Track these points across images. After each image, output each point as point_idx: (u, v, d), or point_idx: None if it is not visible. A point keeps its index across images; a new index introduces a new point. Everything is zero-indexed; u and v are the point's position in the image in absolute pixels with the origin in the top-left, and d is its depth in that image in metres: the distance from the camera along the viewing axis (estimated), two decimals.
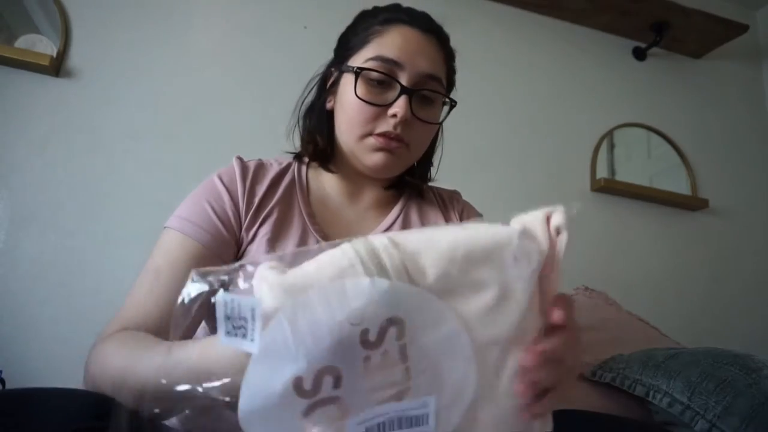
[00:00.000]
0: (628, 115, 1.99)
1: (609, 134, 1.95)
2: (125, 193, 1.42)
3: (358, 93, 0.72)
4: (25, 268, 1.32)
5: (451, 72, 0.82)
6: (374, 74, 0.72)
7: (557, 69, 1.96)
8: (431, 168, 0.88)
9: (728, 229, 1.98)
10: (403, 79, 0.72)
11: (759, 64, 2.23)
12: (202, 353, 0.44)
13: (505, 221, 0.38)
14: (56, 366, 1.27)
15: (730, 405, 0.86)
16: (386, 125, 0.72)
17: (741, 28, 1.96)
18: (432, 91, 0.74)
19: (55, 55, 1.43)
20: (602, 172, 1.89)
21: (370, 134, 0.73)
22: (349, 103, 0.73)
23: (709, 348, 1.04)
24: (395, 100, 0.71)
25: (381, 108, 0.72)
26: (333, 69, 0.80)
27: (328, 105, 0.80)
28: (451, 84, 0.83)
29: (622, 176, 1.91)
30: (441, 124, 0.83)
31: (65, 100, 1.44)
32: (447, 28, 0.83)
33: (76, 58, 1.47)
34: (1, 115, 1.38)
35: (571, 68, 1.98)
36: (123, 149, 1.45)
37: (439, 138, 0.87)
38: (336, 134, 0.79)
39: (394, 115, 0.71)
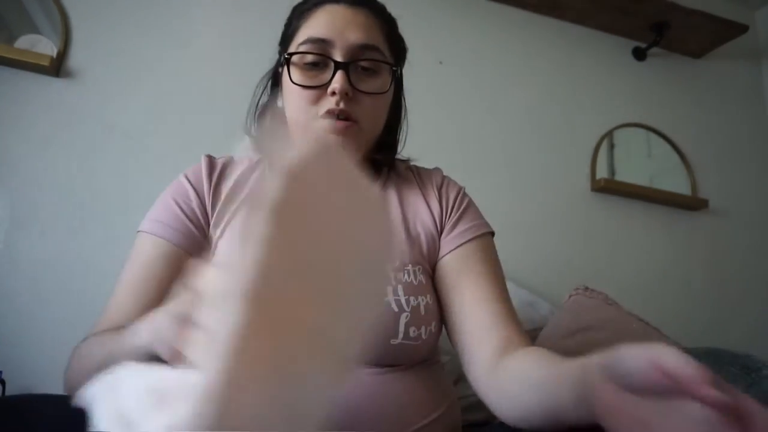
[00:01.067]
0: (628, 115, 1.99)
1: (609, 134, 1.95)
2: (125, 193, 1.42)
3: (293, 79, 0.71)
4: (25, 268, 1.32)
5: (394, 39, 0.79)
6: (307, 57, 0.71)
7: (557, 69, 1.96)
8: (396, 138, 0.86)
9: (728, 229, 1.98)
10: (337, 55, 0.70)
11: (759, 64, 2.23)
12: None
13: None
14: (56, 366, 1.27)
15: None
16: (328, 104, 0.70)
17: (741, 28, 1.96)
18: (369, 60, 0.72)
19: (55, 55, 1.42)
20: (602, 172, 1.89)
21: (315, 118, 0.72)
22: (289, 92, 0.73)
23: (709, 348, 1.03)
24: (332, 78, 0.70)
25: (320, 89, 0.70)
26: (279, 67, 0.79)
27: (279, 103, 0.79)
28: (399, 52, 0.81)
29: (622, 176, 1.91)
30: (400, 94, 0.81)
31: (65, 100, 1.44)
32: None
33: (76, 58, 1.47)
34: (1, 115, 1.38)
35: (571, 68, 1.98)
36: (123, 149, 1.45)
37: (403, 109, 0.85)
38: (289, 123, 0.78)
39: (334, 92, 0.69)
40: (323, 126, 0.71)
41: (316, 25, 0.71)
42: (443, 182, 0.83)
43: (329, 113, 0.70)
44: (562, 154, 1.88)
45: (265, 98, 0.84)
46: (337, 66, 0.70)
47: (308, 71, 0.71)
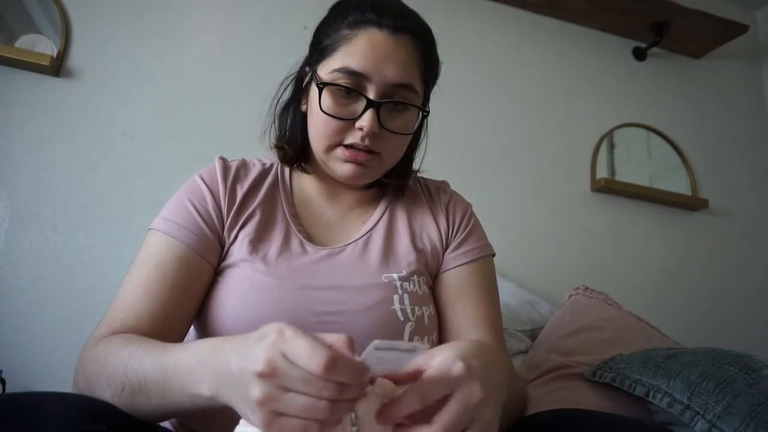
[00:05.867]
0: (628, 115, 1.99)
1: (609, 134, 1.95)
2: (125, 193, 1.42)
3: (323, 107, 0.70)
4: (25, 268, 1.33)
5: (429, 72, 0.78)
6: (340, 86, 0.69)
7: (557, 69, 1.96)
8: (412, 164, 0.85)
9: (728, 229, 1.99)
10: (371, 92, 0.69)
11: (759, 64, 2.23)
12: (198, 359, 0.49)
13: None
14: (56, 365, 1.27)
15: (730, 405, 0.86)
16: (353, 137, 0.70)
17: (741, 28, 1.96)
18: (401, 102, 0.71)
19: (55, 55, 1.43)
20: (602, 172, 1.89)
21: (338, 145, 0.72)
22: (316, 114, 0.72)
23: (709, 348, 1.04)
24: (362, 113, 0.69)
25: (348, 120, 0.70)
26: (307, 68, 0.78)
27: (303, 107, 0.78)
28: (432, 78, 0.80)
29: (622, 176, 1.91)
30: (416, 133, 0.80)
31: (65, 100, 1.44)
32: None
33: (76, 58, 1.47)
34: (1, 115, 1.38)
35: (571, 68, 1.98)
36: (123, 149, 1.45)
37: (423, 132, 0.84)
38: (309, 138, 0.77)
39: (361, 129, 0.69)
40: (345, 154, 0.71)
41: (355, 55, 0.69)
42: (451, 199, 0.85)
43: (353, 146, 0.71)
44: (562, 154, 1.88)
45: (286, 96, 0.82)
46: (370, 104, 0.69)
47: (339, 98, 0.70)
